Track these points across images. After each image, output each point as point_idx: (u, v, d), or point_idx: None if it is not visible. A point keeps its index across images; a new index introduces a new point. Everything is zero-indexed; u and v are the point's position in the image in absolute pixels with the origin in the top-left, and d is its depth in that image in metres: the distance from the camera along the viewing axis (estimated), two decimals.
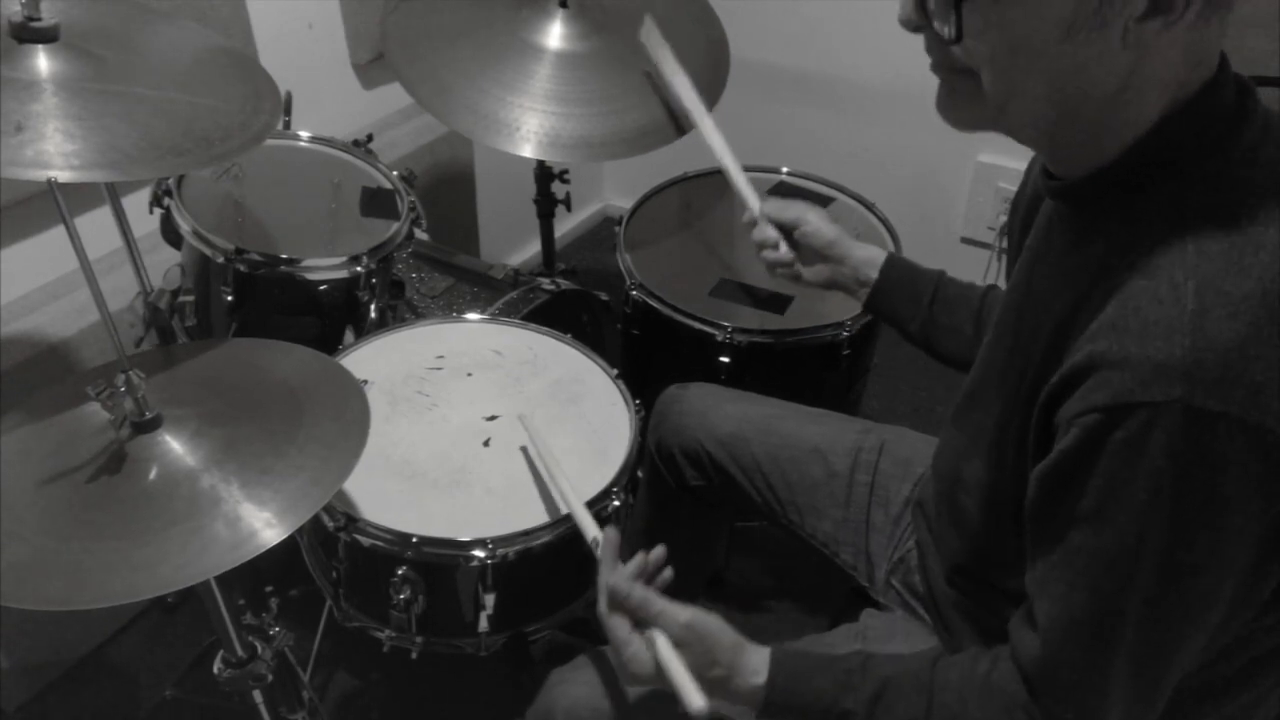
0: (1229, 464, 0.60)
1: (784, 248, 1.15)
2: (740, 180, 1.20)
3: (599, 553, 0.90)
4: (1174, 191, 0.66)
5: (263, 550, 0.77)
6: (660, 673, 0.80)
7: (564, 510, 1.07)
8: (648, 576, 0.87)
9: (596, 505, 1.09)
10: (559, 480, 1.06)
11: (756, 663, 0.81)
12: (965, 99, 0.69)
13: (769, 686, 0.80)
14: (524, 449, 1.17)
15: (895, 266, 1.12)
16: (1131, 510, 0.63)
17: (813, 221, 1.13)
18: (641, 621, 0.83)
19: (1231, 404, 0.59)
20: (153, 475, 0.82)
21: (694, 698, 0.77)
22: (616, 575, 0.85)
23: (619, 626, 0.83)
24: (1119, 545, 0.64)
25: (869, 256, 1.12)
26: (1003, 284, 0.96)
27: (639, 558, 0.88)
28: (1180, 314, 0.61)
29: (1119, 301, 0.64)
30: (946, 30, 0.65)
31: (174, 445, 0.84)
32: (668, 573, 0.89)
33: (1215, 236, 0.63)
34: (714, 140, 1.25)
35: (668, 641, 0.81)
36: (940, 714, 0.76)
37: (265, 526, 0.78)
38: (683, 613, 0.81)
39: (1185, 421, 0.59)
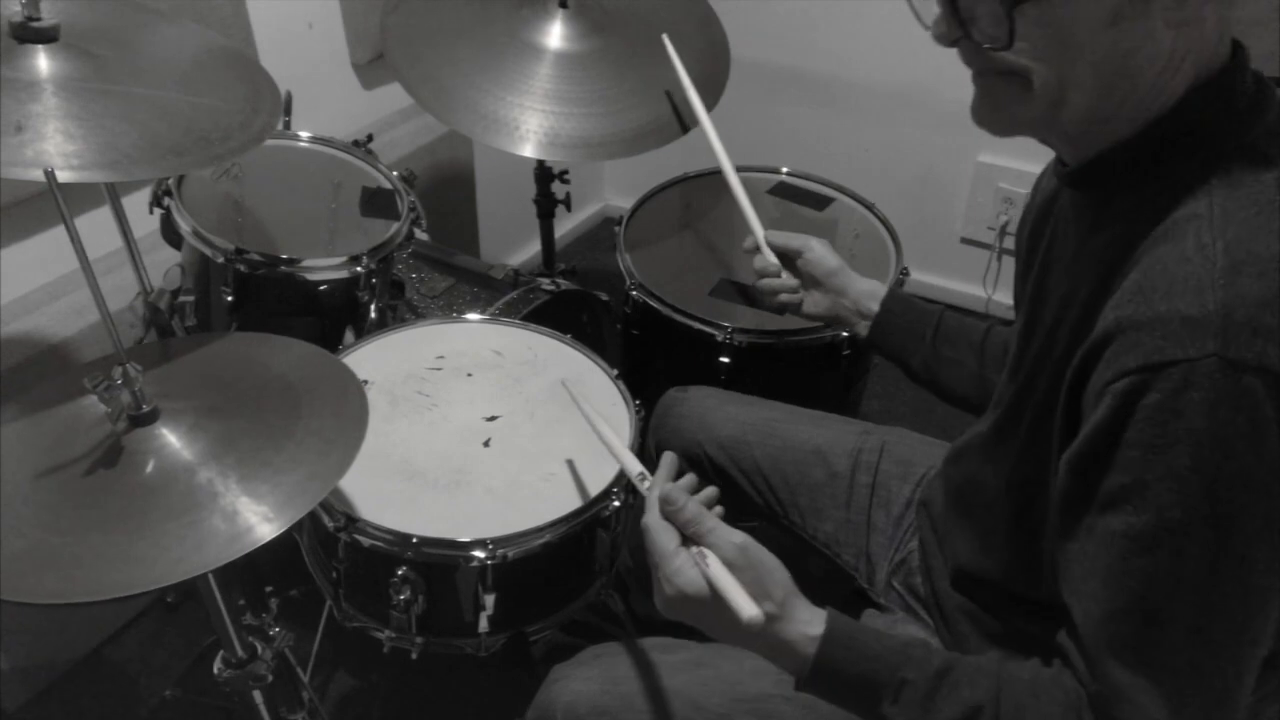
0: (1270, 419, 0.57)
1: (785, 275, 1.15)
2: (747, 207, 1.19)
3: (645, 485, 0.84)
4: (1197, 163, 0.66)
5: (260, 544, 0.77)
6: (704, 595, 0.73)
7: (575, 505, 1.07)
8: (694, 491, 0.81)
9: (597, 505, 1.09)
10: (601, 428, 1.00)
11: (811, 615, 0.75)
12: (1012, 101, 0.68)
13: (825, 640, 0.74)
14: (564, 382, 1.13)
15: (896, 300, 1.11)
16: (1172, 480, 0.60)
17: (816, 249, 1.13)
18: (691, 538, 0.77)
19: (1267, 357, 0.57)
20: (150, 469, 0.82)
21: (747, 605, 0.71)
22: (670, 487, 0.79)
23: (666, 538, 0.76)
24: (1161, 523, 0.61)
25: (870, 289, 1.12)
26: (1005, 288, 0.95)
27: (690, 477, 0.82)
28: (1210, 270, 0.60)
29: (1143, 268, 0.64)
30: (999, 36, 0.64)
31: (171, 439, 0.84)
32: (719, 510, 0.82)
33: (1240, 202, 0.62)
34: (726, 167, 1.23)
35: (718, 559, 0.74)
36: (1009, 702, 0.71)
37: (263, 521, 0.78)
38: (737, 534, 0.75)
39: (1222, 376, 0.57)
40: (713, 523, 0.77)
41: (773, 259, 1.15)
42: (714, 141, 1.25)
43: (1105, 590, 0.65)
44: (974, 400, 0.96)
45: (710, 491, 0.83)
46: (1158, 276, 0.62)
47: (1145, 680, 0.64)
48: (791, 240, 1.15)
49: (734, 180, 1.22)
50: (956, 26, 0.67)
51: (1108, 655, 0.65)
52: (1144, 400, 0.60)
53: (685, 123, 1.39)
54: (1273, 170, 0.64)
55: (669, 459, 0.85)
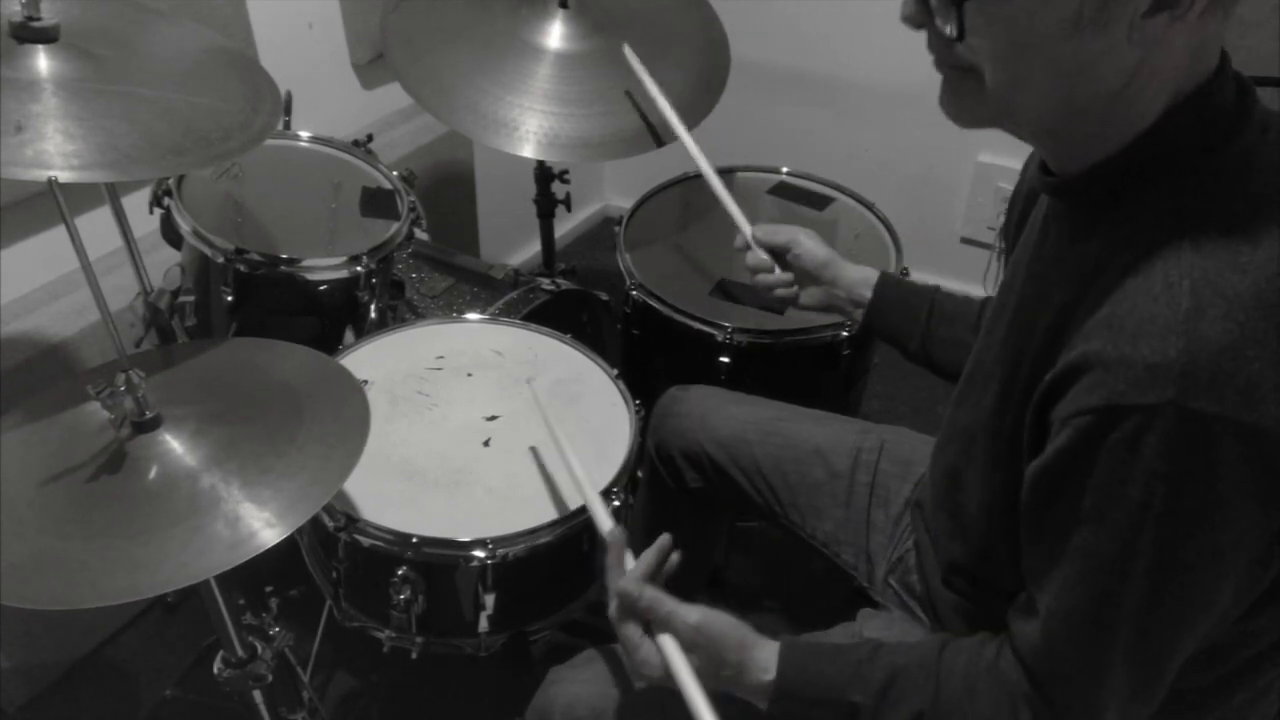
0: (1223, 465, 0.60)
1: (778, 270, 1.15)
2: (731, 206, 1.20)
3: (608, 557, 0.90)
4: (1172, 189, 0.66)
5: (263, 550, 0.77)
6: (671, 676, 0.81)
7: (575, 505, 1.07)
8: (655, 570, 0.87)
9: None
10: (574, 468, 1.03)
11: (765, 659, 0.81)
12: (968, 96, 0.68)
13: (778, 681, 0.80)
14: (533, 449, 1.17)
15: (889, 284, 1.12)
16: (1126, 511, 0.63)
17: (804, 244, 1.14)
18: (652, 624, 0.83)
19: (1225, 405, 0.59)
20: (153, 475, 0.82)
21: (703, 712, 0.77)
22: (625, 579, 0.85)
23: (631, 631, 0.83)
24: (1114, 545, 0.64)
25: (862, 276, 1.13)
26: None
27: (646, 558, 0.87)
28: (1174, 314, 0.60)
29: (1113, 300, 0.64)
30: (949, 29, 0.64)
31: (174, 445, 0.84)
32: (675, 557, 0.89)
33: (1212, 235, 0.62)
34: (703, 166, 1.25)
35: (677, 647, 0.81)
36: (947, 701, 0.76)
37: (265, 526, 0.78)
38: (692, 614, 0.81)
39: (1179, 423, 0.59)
40: (668, 606, 0.82)
41: (764, 256, 1.16)
42: (689, 144, 1.26)
43: (1063, 592, 0.69)
44: None
45: (664, 542, 0.88)
46: (1125, 314, 0.63)
47: (1088, 671, 0.70)
48: (779, 235, 1.15)
49: (715, 180, 1.22)
50: (922, 11, 0.67)
51: (1061, 644, 0.71)
52: (1104, 438, 0.62)
53: (660, 138, 1.39)
54: (1247, 195, 0.64)
55: (616, 546, 0.89)
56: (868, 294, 1.12)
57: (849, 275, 1.13)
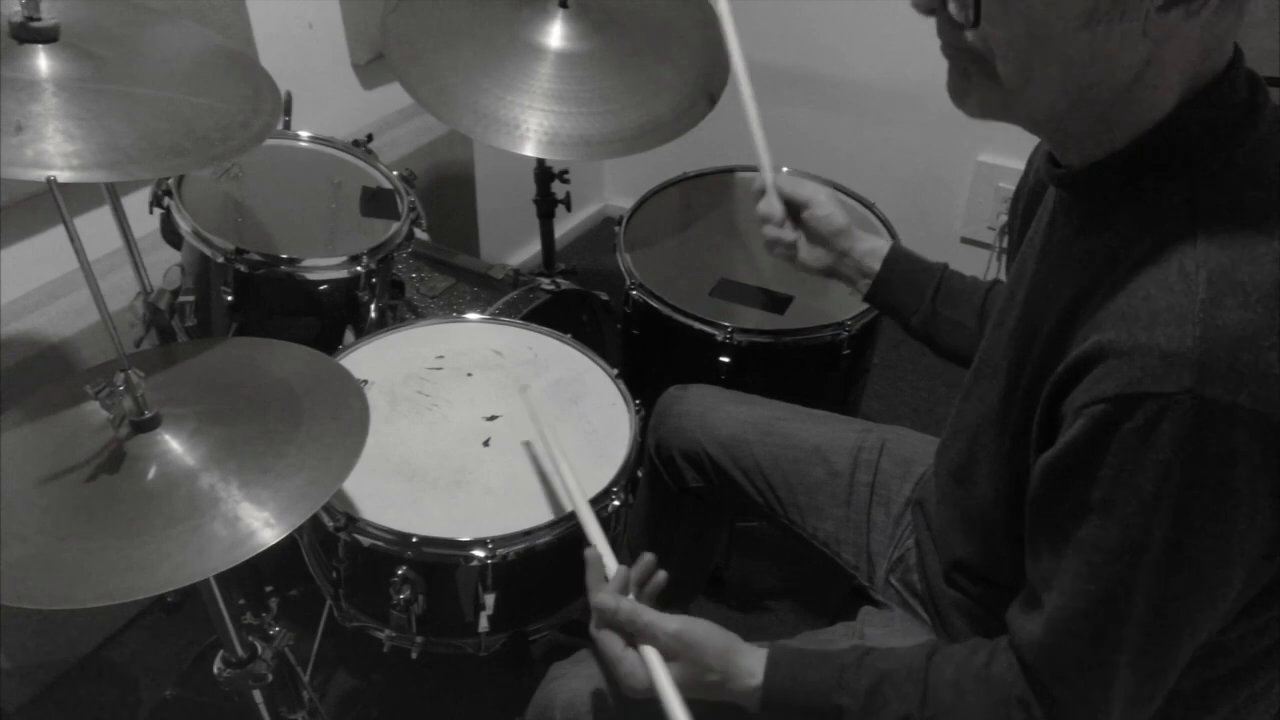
0: (1238, 456, 0.59)
1: (788, 227, 1.11)
2: (762, 145, 1.13)
3: (587, 575, 0.90)
4: (1185, 181, 0.66)
5: (261, 550, 0.77)
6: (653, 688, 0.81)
7: (568, 508, 1.07)
8: (638, 585, 0.88)
9: (596, 505, 1.09)
10: (566, 479, 1.04)
11: (751, 664, 0.81)
12: (977, 84, 0.68)
13: (765, 687, 0.80)
14: (527, 444, 1.17)
15: (899, 258, 1.10)
16: (1139, 502, 0.62)
17: (824, 205, 1.09)
18: (633, 636, 0.83)
19: (1241, 395, 0.58)
20: (152, 474, 0.82)
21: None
22: (601, 593, 0.85)
23: (611, 643, 0.83)
24: (1125, 537, 0.64)
25: (873, 248, 1.10)
26: (1005, 279, 0.95)
27: (622, 571, 0.88)
28: (1191, 302, 0.60)
29: (1128, 291, 0.64)
30: (965, 14, 0.64)
31: (173, 444, 0.84)
32: (660, 576, 0.89)
33: (1227, 226, 0.62)
34: (748, 102, 1.17)
35: (659, 657, 0.81)
36: (935, 706, 0.76)
37: (264, 526, 0.78)
38: (671, 623, 0.81)
39: (1195, 413, 0.59)
40: (646, 617, 0.82)
41: (778, 206, 1.10)
42: (742, 79, 1.17)
43: (1071, 587, 0.69)
44: (969, 357, 0.96)
45: (647, 561, 0.89)
46: (1140, 304, 0.62)
47: (1094, 668, 0.69)
48: (800, 189, 1.10)
49: (752, 111, 1.15)
50: None
51: (1067, 639, 0.70)
52: (1118, 427, 0.62)
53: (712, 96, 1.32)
54: (1261, 187, 0.64)
55: (593, 562, 0.90)
56: (876, 266, 1.09)
57: (860, 246, 1.10)
